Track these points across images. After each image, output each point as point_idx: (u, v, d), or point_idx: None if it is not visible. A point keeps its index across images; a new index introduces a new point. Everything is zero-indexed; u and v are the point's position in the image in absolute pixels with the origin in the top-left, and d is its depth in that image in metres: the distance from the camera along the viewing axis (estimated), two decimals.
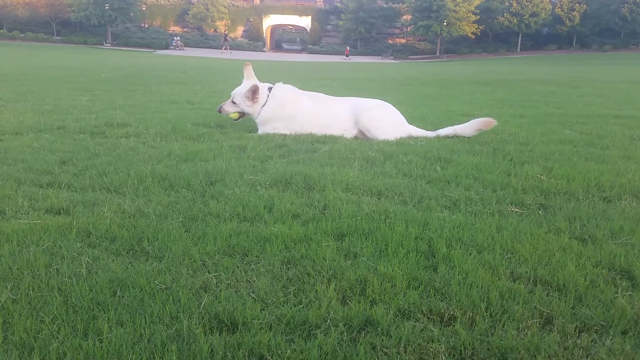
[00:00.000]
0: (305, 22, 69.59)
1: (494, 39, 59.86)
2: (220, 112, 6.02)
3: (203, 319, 2.03)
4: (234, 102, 5.89)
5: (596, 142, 5.75)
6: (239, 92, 5.87)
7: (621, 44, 56.56)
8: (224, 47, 60.05)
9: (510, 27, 56.20)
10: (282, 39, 76.84)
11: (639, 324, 2.00)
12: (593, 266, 2.50)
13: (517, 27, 55.97)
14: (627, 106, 9.73)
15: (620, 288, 2.30)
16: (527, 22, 55.33)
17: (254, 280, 2.31)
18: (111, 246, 2.67)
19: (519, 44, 58.24)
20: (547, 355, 1.82)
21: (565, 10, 55.07)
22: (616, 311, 2.07)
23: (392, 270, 2.39)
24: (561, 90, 13.52)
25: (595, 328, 2.00)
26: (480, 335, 1.92)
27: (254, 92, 5.77)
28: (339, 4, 66.12)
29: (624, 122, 7.41)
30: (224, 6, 66.53)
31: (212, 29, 66.94)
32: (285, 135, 5.74)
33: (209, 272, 2.39)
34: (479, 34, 57.13)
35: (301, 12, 69.33)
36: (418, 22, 54.21)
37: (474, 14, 54.52)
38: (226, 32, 65.05)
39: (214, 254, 2.58)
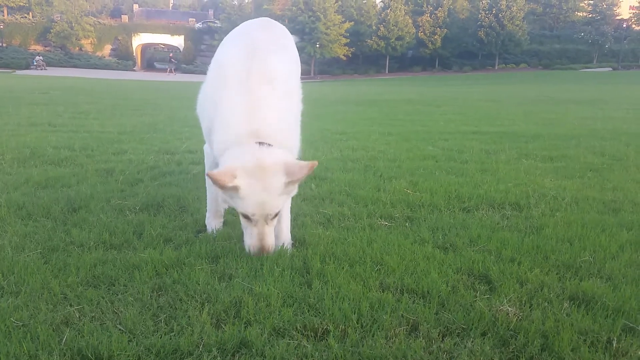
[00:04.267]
0: (178, 41, 68.31)
1: (364, 60, 62.62)
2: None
3: (65, 355, 1.89)
4: None
5: (456, 156, 6.19)
6: None
7: (479, 65, 61.56)
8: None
9: (378, 49, 59.16)
10: (153, 58, 74.60)
11: (497, 325, 2.16)
12: (454, 273, 2.66)
13: (385, 50, 59.07)
14: (484, 123, 10.58)
15: (479, 292, 2.47)
16: (393, 45, 58.56)
17: (121, 311, 2.19)
18: None
19: (387, 66, 61.43)
20: None
21: (428, 34, 59.00)
22: (475, 314, 2.22)
23: (268, 290, 2.39)
24: (426, 109, 14.42)
25: (457, 332, 2.13)
26: (351, 346, 1.97)
27: None
28: (212, 24, 65.74)
29: (481, 138, 8.05)
30: (90, 24, 63.46)
31: (77, 48, 63.49)
32: (157, 157, 5.55)
33: (70, 306, 2.24)
34: (350, 55, 59.51)
35: (173, 32, 68.00)
36: None
37: (345, 36, 56.76)
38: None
39: (77, 286, 2.42)
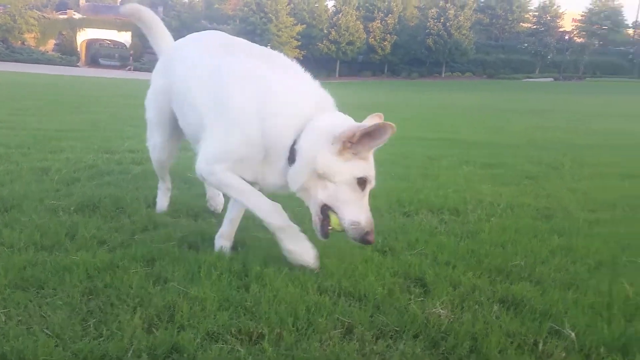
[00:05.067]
0: (125, 37, 66.62)
1: (315, 64, 62.75)
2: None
3: None
4: None
5: (400, 161, 6.29)
6: None
7: (426, 72, 62.82)
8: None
9: (329, 53, 59.54)
10: (98, 54, 72.43)
11: (428, 327, 2.20)
12: (391, 276, 2.70)
13: (336, 54, 59.52)
14: (429, 129, 10.82)
15: (413, 295, 2.51)
16: (344, 49, 59.07)
17: (49, 315, 2.12)
18: None
19: (337, 70, 61.89)
20: None
21: (378, 40, 59.82)
22: (409, 317, 2.26)
23: (204, 293, 2.36)
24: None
25: (390, 334, 2.16)
26: (285, 350, 1.97)
27: None
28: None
29: (426, 144, 8.23)
30: (34, 18, 61.13)
31: (20, 42, 61.02)
32: (96, 155, 5.40)
33: None
34: (301, 58, 59.65)
35: (120, 28, 66.23)
36: None
37: (296, 39, 56.87)
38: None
39: (4, 288, 2.32)
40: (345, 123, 2.57)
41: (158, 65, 3.42)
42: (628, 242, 3.47)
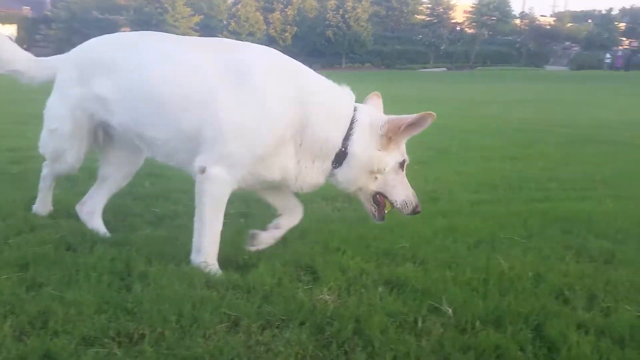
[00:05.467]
0: (10, 30, 62.05)
1: None
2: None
3: None
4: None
5: None
6: None
7: (327, 63, 63.39)
8: None
9: None
10: None
11: (315, 313, 2.23)
12: (281, 265, 2.70)
13: None
14: None
15: (303, 283, 2.54)
16: (244, 41, 58.20)
17: None
18: None
19: None
20: (230, 357, 1.90)
21: (279, 32, 59.65)
22: (296, 305, 2.27)
23: (81, 297, 2.24)
24: None
25: (277, 323, 2.16)
26: (167, 349, 1.92)
27: None
28: (49, 13, 60.70)
29: None
30: None
31: None
32: None
33: None
34: None
35: (4, 20, 61.56)
36: None
37: (195, 30, 55.45)
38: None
39: None
40: (382, 118, 2.74)
41: (65, 74, 3.02)
42: (506, 220, 3.70)
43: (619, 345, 2.10)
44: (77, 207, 3.26)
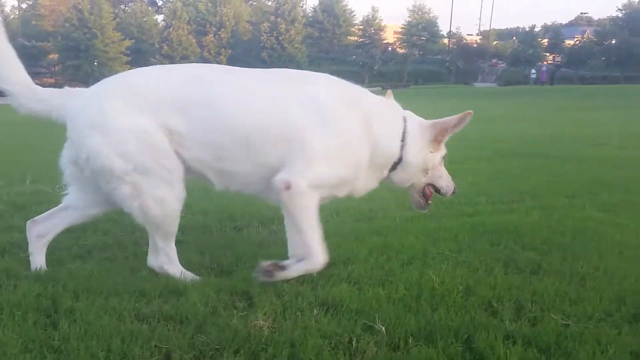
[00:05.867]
0: None
1: None
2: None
3: None
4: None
5: None
6: None
7: None
8: None
9: None
10: None
11: (249, 340, 2.20)
12: (215, 293, 2.67)
13: None
14: None
15: (237, 310, 2.51)
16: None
17: None
18: None
19: None
20: None
21: (213, 55, 59.41)
22: (230, 333, 2.25)
23: (5, 336, 2.14)
24: None
25: (210, 353, 2.13)
26: None
27: None
28: None
29: None
30: None
31: None
32: None
33: None
34: None
35: None
36: (66, 62, 51.64)
37: (126, 54, 54.46)
38: None
39: None
40: (427, 124, 3.14)
41: (119, 103, 2.72)
42: (438, 235, 3.79)
43: (545, 354, 2.18)
44: (28, 224, 3.04)
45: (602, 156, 8.09)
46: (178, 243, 3.55)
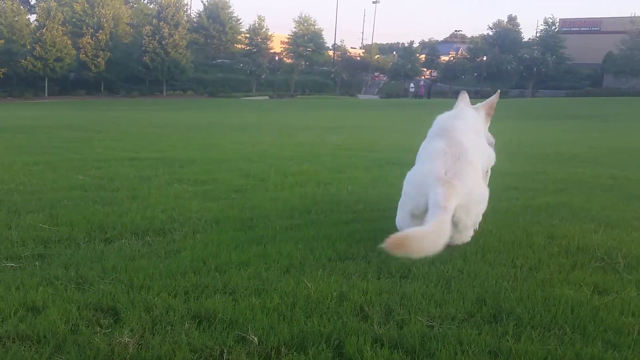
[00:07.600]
0: None
1: (19, 82, 56.18)
2: None
3: None
4: None
5: (107, 185, 5.96)
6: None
7: (147, 90, 61.23)
8: None
9: (35, 70, 53.76)
10: None
11: (113, 359, 2.09)
12: (78, 310, 2.50)
13: (43, 71, 53.99)
14: (143, 149, 10.51)
15: (101, 327, 2.37)
16: (52, 66, 53.97)
17: None
18: None
19: (46, 89, 56.40)
20: None
21: (91, 57, 56.31)
22: (92, 352, 2.11)
23: None
24: (85, 135, 13.63)
25: None
26: None
27: None
28: None
29: (138, 164, 7.96)
30: None
31: None
32: None
33: None
34: (2, 76, 52.75)
35: None
36: None
37: None
38: None
39: None
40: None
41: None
42: (316, 243, 3.83)
43: (411, 355, 2.26)
44: None
45: None
46: (39, 257, 3.32)
